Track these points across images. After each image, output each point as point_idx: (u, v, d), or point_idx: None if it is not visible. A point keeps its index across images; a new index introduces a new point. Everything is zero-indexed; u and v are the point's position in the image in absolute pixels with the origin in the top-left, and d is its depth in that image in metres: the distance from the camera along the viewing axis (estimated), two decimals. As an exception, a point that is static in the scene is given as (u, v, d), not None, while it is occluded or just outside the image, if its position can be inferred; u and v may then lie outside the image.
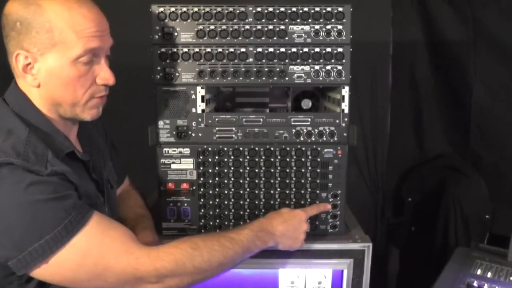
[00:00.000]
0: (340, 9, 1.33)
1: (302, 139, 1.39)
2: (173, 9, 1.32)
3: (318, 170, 1.40)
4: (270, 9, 1.33)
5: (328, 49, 1.35)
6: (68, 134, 1.19)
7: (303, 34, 1.34)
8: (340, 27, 1.34)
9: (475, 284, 1.45)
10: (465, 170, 2.14)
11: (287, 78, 1.36)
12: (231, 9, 1.32)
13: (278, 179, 1.41)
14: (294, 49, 1.35)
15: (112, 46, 1.19)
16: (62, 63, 1.09)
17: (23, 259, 1.01)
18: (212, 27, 1.33)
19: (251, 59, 1.35)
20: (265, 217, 1.32)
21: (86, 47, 1.10)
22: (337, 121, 1.39)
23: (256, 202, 1.42)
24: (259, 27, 1.34)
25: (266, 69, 1.35)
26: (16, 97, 1.14)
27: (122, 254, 1.07)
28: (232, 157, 1.39)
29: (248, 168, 1.40)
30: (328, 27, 1.34)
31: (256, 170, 1.40)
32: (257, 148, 1.39)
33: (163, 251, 1.11)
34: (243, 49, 1.34)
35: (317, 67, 1.36)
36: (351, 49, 1.35)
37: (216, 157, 1.39)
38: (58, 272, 1.04)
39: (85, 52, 1.10)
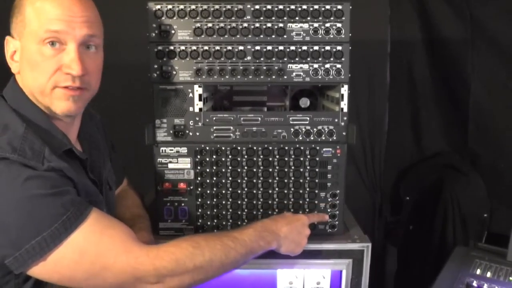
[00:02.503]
0: (339, 6, 1.32)
1: (300, 138, 1.38)
2: (170, 6, 1.30)
3: (317, 170, 1.39)
4: (269, 6, 1.32)
5: (327, 47, 1.34)
6: (66, 131, 1.17)
7: (302, 32, 1.33)
8: (339, 25, 1.33)
9: (474, 284, 1.44)
10: (463, 168, 2.14)
11: (285, 77, 1.35)
12: (229, 6, 1.31)
13: (277, 178, 1.40)
14: (292, 47, 1.34)
15: (105, 43, 1.17)
16: (29, 46, 1.09)
17: (20, 257, 0.99)
18: (209, 24, 1.32)
19: (249, 57, 1.33)
20: (269, 218, 1.30)
21: (46, 27, 1.07)
22: (336, 120, 1.38)
23: (254, 202, 1.41)
24: (257, 25, 1.32)
25: (265, 68, 1.34)
26: (14, 92, 1.14)
27: (121, 253, 1.05)
28: (230, 157, 1.38)
29: (246, 167, 1.39)
30: (327, 25, 1.33)
31: (254, 170, 1.39)
32: (255, 147, 1.38)
33: (164, 250, 1.09)
34: (241, 47, 1.33)
35: (316, 65, 1.35)
36: (350, 47, 1.34)
37: (214, 157, 1.38)
38: (55, 270, 1.03)
39: (46, 34, 1.07)
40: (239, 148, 1.37)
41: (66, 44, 1.09)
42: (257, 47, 1.33)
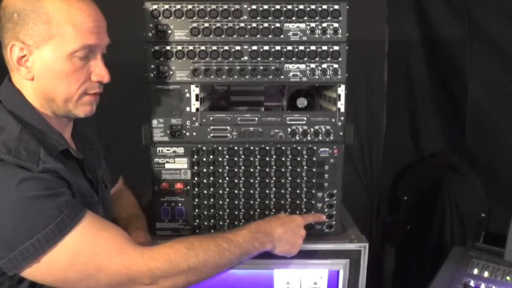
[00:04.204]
0: (336, 6, 1.32)
1: (297, 138, 1.38)
2: (167, 6, 1.30)
3: (314, 170, 1.39)
4: (265, 6, 1.31)
5: (324, 47, 1.34)
6: (62, 131, 1.17)
7: (299, 32, 1.33)
8: (336, 25, 1.32)
9: (472, 284, 1.44)
10: (461, 168, 2.14)
11: (282, 77, 1.35)
12: (225, 6, 1.31)
13: (274, 178, 1.39)
14: (289, 47, 1.33)
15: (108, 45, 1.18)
16: (58, 56, 1.09)
17: (14, 258, 0.99)
18: (206, 24, 1.31)
19: (246, 57, 1.33)
20: (264, 219, 1.30)
21: (83, 42, 1.09)
22: (333, 120, 1.37)
23: (251, 202, 1.40)
24: (254, 24, 1.32)
25: (261, 67, 1.34)
26: (9, 93, 1.13)
27: (115, 254, 1.05)
28: (227, 157, 1.38)
29: (243, 167, 1.38)
30: (324, 25, 1.33)
31: (251, 170, 1.39)
32: (252, 148, 1.37)
33: (158, 251, 1.09)
34: (238, 47, 1.33)
35: (313, 65, 1.34)
36: (347, 47, 1.33)
37: (211, 157, 1.37)
38: (49, 272, 1.02)
39: (82, 47, 1.10)
40: (236, 148, 1.37)
41: (94, 54, 1.14)
42: (254, 47, 1.33)
